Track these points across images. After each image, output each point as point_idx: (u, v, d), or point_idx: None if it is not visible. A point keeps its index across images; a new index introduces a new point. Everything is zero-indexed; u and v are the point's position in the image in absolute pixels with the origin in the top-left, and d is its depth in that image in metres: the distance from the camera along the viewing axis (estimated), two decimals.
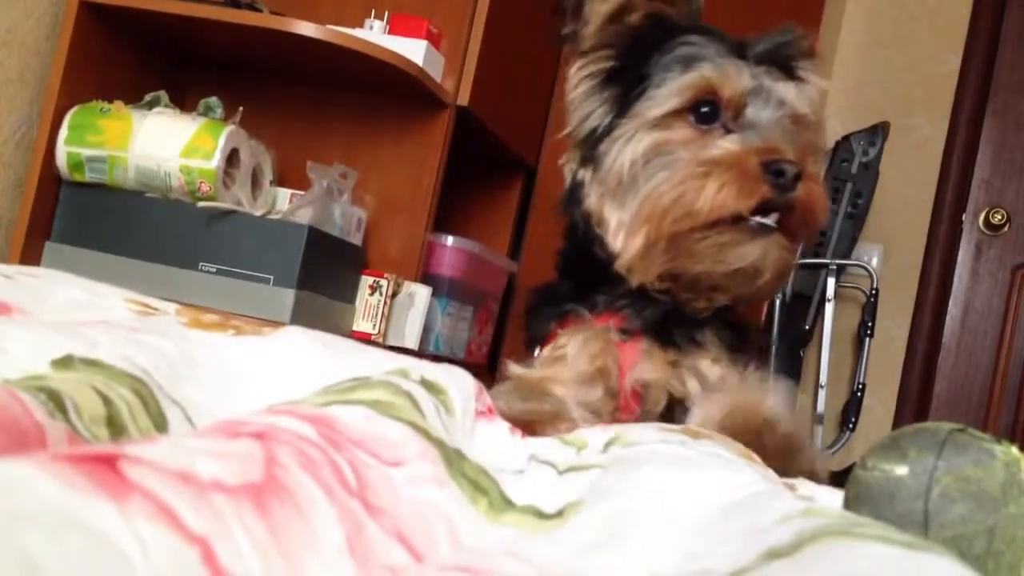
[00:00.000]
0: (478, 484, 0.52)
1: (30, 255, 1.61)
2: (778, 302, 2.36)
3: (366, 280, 1.72)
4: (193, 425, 0.56)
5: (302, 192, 1.69)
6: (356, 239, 1.76)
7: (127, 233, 1.60)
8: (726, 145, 0.89)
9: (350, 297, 1.71)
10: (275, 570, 0.36)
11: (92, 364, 0.54)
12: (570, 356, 0.95)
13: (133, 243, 1.59)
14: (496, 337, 2.20)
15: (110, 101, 1.63)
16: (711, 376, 0.93)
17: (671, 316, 0.96)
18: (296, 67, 1.81)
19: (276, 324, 1.03)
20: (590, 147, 1.00)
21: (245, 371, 0.65)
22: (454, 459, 0.53)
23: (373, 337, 1.71)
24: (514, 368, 0.98)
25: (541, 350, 0.99)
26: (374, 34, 1.72)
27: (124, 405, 0.51)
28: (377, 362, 0.67)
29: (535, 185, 2.25)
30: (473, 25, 1.82)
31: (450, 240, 1.91)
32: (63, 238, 1.64)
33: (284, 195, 1.74)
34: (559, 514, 0.50)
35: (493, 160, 2.18)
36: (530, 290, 1.10)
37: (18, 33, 1.65)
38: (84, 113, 1.62)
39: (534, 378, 0.94)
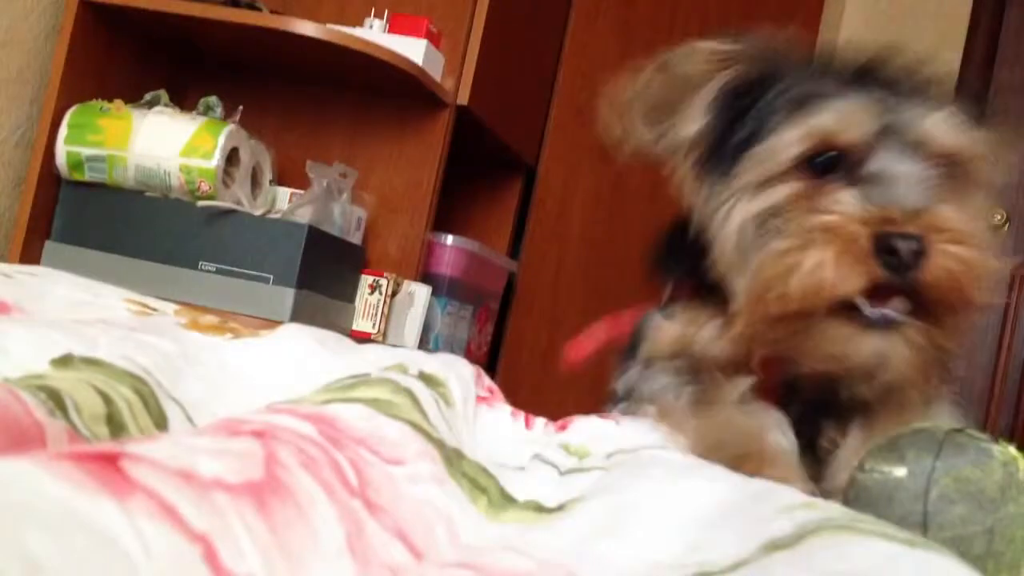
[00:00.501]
0: (477, 482, 0.52)
1: (30, 254, 1.61)
2: None
3: (366, 279, 1.72)
4: (193, 424, 0.56)
5: (302, 191, 1.69)
6: (356, 238, 1.76)
7: (127, 232, 1.60)
8: (835, 208, 0.70)
9: (350, 296, 1.71)
10: (276, 569, 0.36)
11: (92, 363, 0.54)
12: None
13: (133, 242, 1.59)
14: (496, 336, 2.20)
15: (110, 100, 1.63)
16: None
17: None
18: (296, 66, 1.81)
19: (275, 324, 1.03)
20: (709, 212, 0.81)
21: (245, 370, 0.65)
22: (454, 458, 0.53)
23: (373, 336, 1.71)
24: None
25: None
26: (374, 33, 1.72)
27: (124, 404, 0.51)
28: (375, 358, 0.67)
29: (535, 184, 2.25)
30: (473, 24, 1.82)
31: (450, 239, 1.91)
32: (63, 237, 1.64)
33: (284, 194, 1.74)
34: (560, 508, 0.50)
35: (493, 159, 2.18)
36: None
37: (18, 32, 1.65)
38: (84, 112, 1.62)
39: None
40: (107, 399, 0.50)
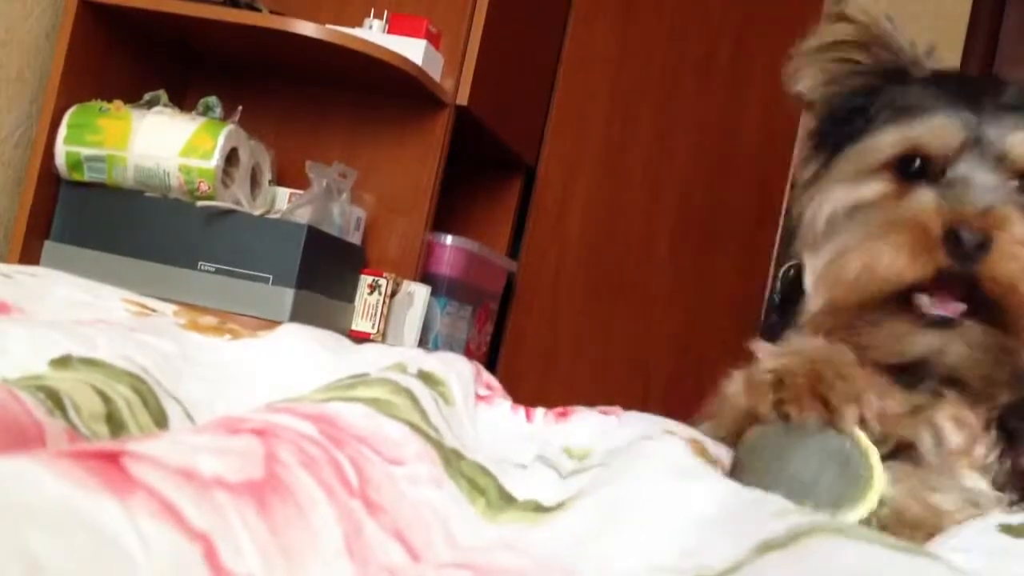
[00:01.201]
0: (476, 483, 0.52)
1: (29, 254, 1.61)
2: None
3: (365, 279, 1.72)
4: (193, 422, 0.56)
5: (301, 191, 1.69)
6: (355, 238, 1.76)
7: (126, 232, 1.60)
8: (913, 204, 0.77)
9: (349, 296, 1.71)
10: (275, 569, 0.36)
11: (91, 363, 0.54)
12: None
13: (132, 242, 1.59)
14: (495, 336, 2.20)
15: (109, 100, 1.63)
16: (950, 441, 0.77)
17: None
18: (295, 66, 1.81)
19: (275, 324, 1.03)
20: (802, 194, 0.88)
21: (244, 370, 0.65)
22: (452, 459, 0.53)
23: (372, 336, 1.71)
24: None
25: None
26: (373, 33, 1.72)
27: (123, 402, 0.51)
28: (375, 358, 0.67)
29: (534, 184, 2.25)
30: (472, 24, 1.82)
31: (449, 239, 1.91)
32: (62, 237, 1.64)
33: (283, 194, 1.74)
34: (559, 506, 0.50)
35: (492, 159, 2.18)
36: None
37: (17, 32, 1.65)
38: (83, 112, 1.62)
39: None
40: (106, 398, 0.50)
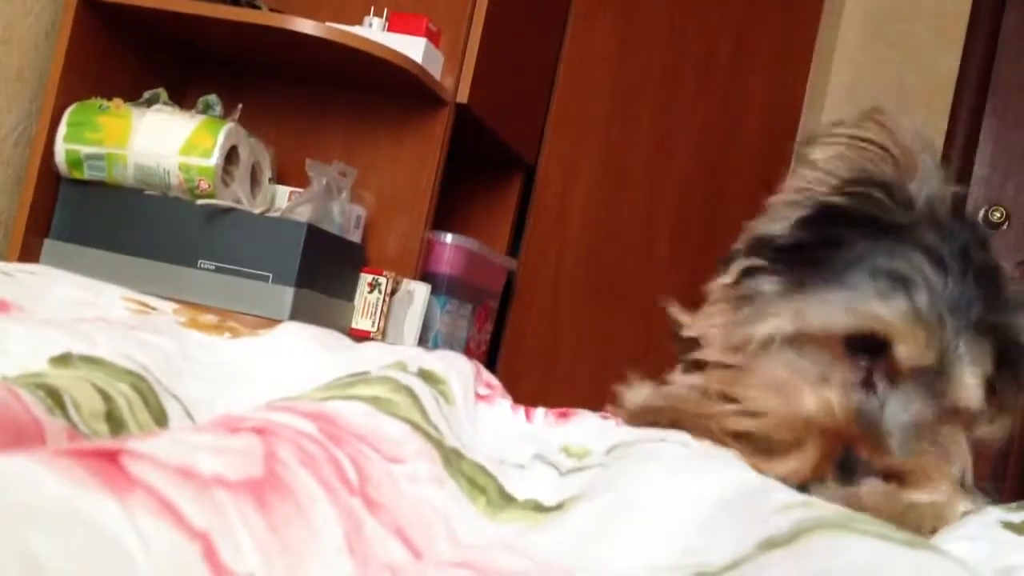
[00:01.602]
0: (476, 482, 0.52)
1: (29, 252, 1.61)
2: None
3: (365, 278, 1.72)
4: (193, 420, 0.56)
5: (301, 190, 1.69)
6: (355, 237, 1.76)
7: (126, 231, 1.60)
8: (834, 400, 0.68)
9: (349, 295, 1.71)
10: (275, 567, 0.36)
11: (91, 361, 0.54)
12: None
13: (132, 241, 1.59)
14: (495, 335, 2.20)
15: (109, 98, 1.63)
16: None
17: None
18: (295, 64, 1.81)
19: (275, 322, 1.03)
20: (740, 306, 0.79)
21: (244, 367, 0.65)
22: (452, 458, 0.53)
23: (372, 335, 1.71)
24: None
25: None
26: (373, 31, 1.72)
27: (123, 400, 0.51)
28: (375, 356, 0.67)
29: (535, 182, 2.25)
30: (472, 22, 1.82)
31: (449, 238, 1.91)
32: (62, 235, 1.64)
33: (283, 193, 1.74)
34: (559, 507, 0.50)
35: (492, 158, 2.19)
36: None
37: (17, 30, 1.65)
38: (83, 111, 1.62)
39: None
40: (106, 396, 0.50)
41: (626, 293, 2.38)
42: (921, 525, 0.66)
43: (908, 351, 0.68)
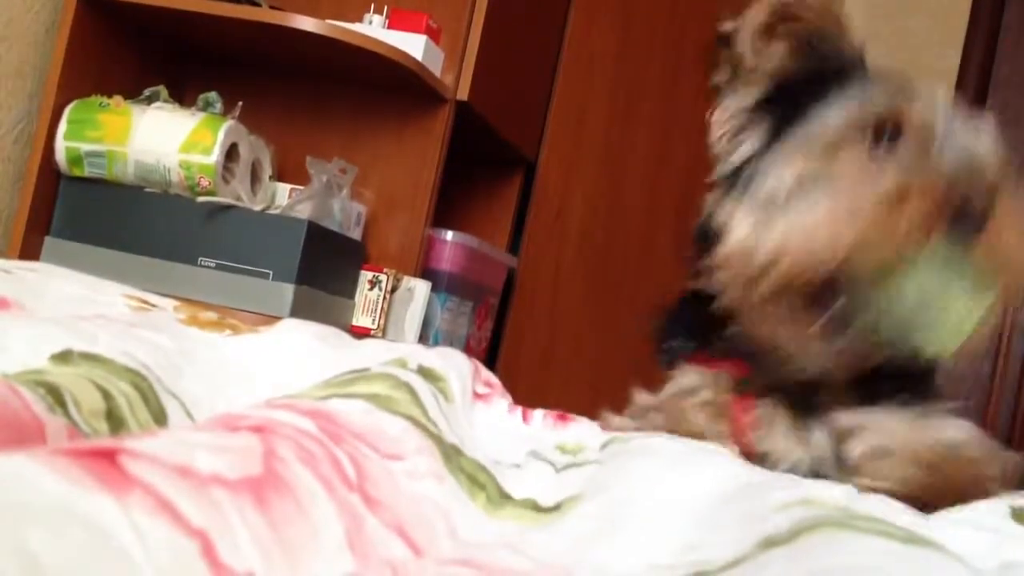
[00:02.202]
0: (476, 479, 0.52)
1: (29, 250, 1.61)
2: None
3: (365, 275, 1.72)
4: (192, 419, 0.56)
5: (301, 187, 1.69)
6: (355, 234, 1.76)
7: (126, 228, 1.60)
8: (897, 178, 0.69)
9: (349, 292, 1.71)
10: (274, 564, 0.36)
11: (91, 358, 0.54)
12: (663, 398, 0.79)
13: (132, 238, 1.59)
14: (496, 332, 2.20)
15: (109, 96, 1.63)
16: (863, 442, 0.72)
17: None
18: (295, 62, 1.81)
19: (275, 319, 1.03)
20: (737, 174, 0.80)
21: (244, 365, 0.65)
22: (452, 454, 0.53)
23: (372, 332, 1.71)
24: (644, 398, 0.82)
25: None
26: (373, 29, 1.72)
27: (123, 399, 0.51)
28: (375, 353, 0.67)
29: (535, 179, 2.25)
30: (473, 19, 1.82)
31: (450, 235, 1.91)
32: (62, 233, 1.64)
33: (283, 190, 1.74)
34: (557, 507, 0.50)
35: (493, 154, 2.18)
36: (657, 312, 0.90)
37: (17, 27, 1.65)
38: (83, 108, 1.61)
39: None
40: (106, 395, 0.50)
41: (627, 291, 2.37)
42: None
43: (924, 109, 0.72)
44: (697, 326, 0.80)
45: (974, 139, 0.73)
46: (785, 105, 0.78)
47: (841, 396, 0.74)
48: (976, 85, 2.65)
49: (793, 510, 0.41)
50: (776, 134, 0.77)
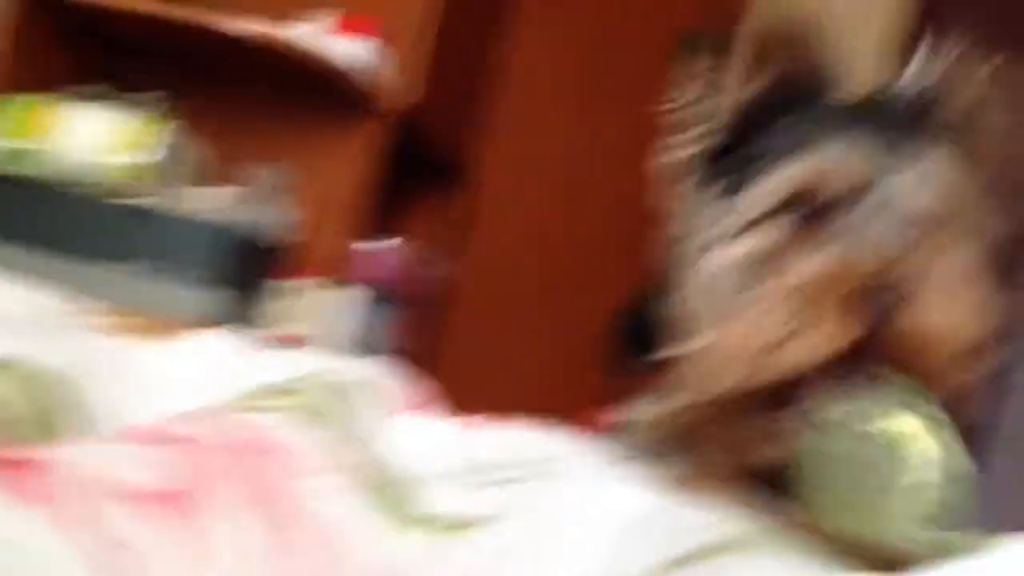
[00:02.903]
0: (388, 497, 0.52)
1: None
2: None
3: (292, 283, 1.71)
4: (111, 429, 0.55)
5: (232, 191, 1.67)
6: (285, 241, 1.74)
7: (45, 229, 1.56)
8: (816, 261, 0.68)
9: (275, 300, 1.69)
10: None
11: (6, 366, 0.52)
12: None
13: (53, 239, 1.55)
14: (431, 343, 2.19)
15: (41, 92, 1.59)
16: None
17: None
18: (228, 64, 1.78)
19: (194, 326, 1.01)
20: (683, 242, 0.80)
21: (162, 372, 0.64)
22: (368, 472, 0.53)
23: (298, 342, 1.69)
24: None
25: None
26: (312, 34, 1.70)
27: (40, 407, 0.50)
28: (298, 364, 0.67)
29: (474, 189, 2.25)
30: (422, 28, 1.82)
31: (384, 243, 1.90)
32: None
33: (212, 194, 1.72)
34: (475, 523, 0.50)
35: (432, 163, 2.18)
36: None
37: None
38: (5, 105, 1.58)
39: None
40: (26, 401, 0.49)
41: (568, 300, 2.38)
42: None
43: (843, 177, 0.70)
44: None
45: (905, 199, 0.71)
46: (732, 160, 0.77)
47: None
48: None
49: (706, 531, 0.42)
50: (717, 202, 0.76)
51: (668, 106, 0.81)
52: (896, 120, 0.75)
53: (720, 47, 0.79)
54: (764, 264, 0.70)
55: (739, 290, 0.70)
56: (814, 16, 0.78)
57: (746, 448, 0.66)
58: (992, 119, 0.77)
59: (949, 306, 0.67)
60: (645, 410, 0.77)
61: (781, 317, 0.66)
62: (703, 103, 0.79)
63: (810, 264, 0.68)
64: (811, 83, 0.77)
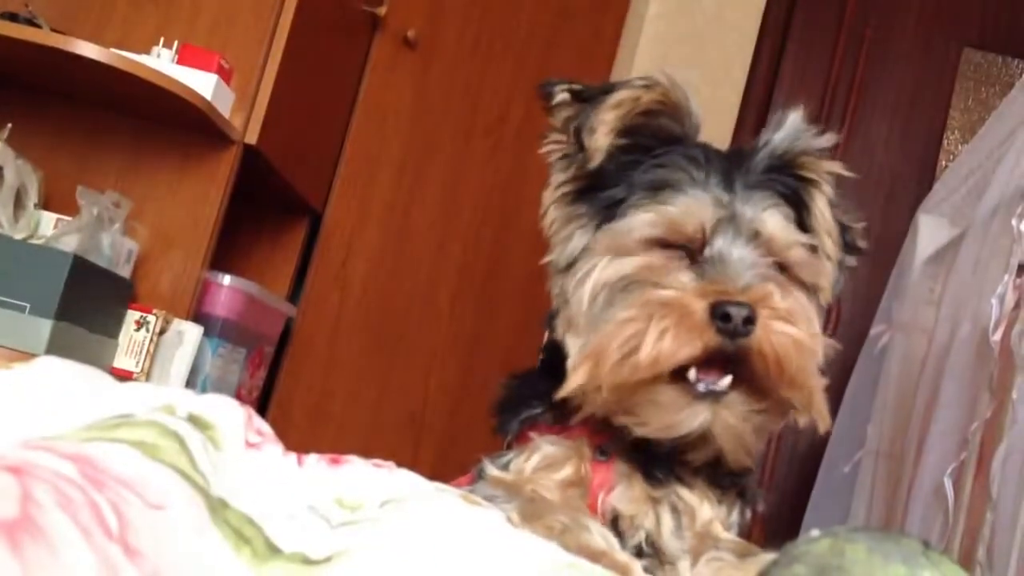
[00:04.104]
0: (242, 532, 0.51)
1: None
2: None
3: (132, 315, 1.65)
4: None
5: (70, 218, 1.60)
6: (125, 271, 1.68)
7: None
8: (674, 284, 0.80)
9: (113, 332, 1.63)
10: None
11: None
12: (528, 470, 0.85)
13: None
14: (268, 381, 2.15)
15: None
16: (699, 519, 0.84)
17: (652, 441, 0.83)
18: (76, 88, 1.72)
19: (30, 356, 0.96)
20: (563, 274, 0.88)
21: None
22: (218, 507, 0.52)
23: (135, 375, 1.63)
24: (493, 470, 0.86)
25: (510, 449, 0.89)
26: (161, 62, 1.66)
27: None
28: (142, 397, 0.65)
29: (320, 229, 2.23)
30: (267, 64, 1.80)
31: (227, 279, 1.86)
32: None
33: (49, 219, 1.64)
34: (327, 560, 0.50)
35: (279, 201, 2.15)
36: (508, 376, 0.96)
37: None
38: None
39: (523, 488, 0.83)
40: None
41: (405, 346, 2.38)
42: None
43: (700, 215, 0.82)
44: (551, 394, 0.85)
45: (739, 242, 0.82)
46: (601, 200, 0.86)
47: (681, 464, 0.85)
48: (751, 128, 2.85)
49: (562, 571, 0.43)
50: (592, 234, 0.86)
51: (541, 148, 0.89)
52: (750, 170, 0.85)
53: (585, 96, 0.86)
54: (632, 285, 0.81)
55: (610, 306, 0.81)
56: (671, 77, 0.86)
57: (643, 421, 0.79)
58: (828, 181, 0.88)
59: (786, 328, 0.78)
60: (494, 465, 0.84)
61: (643, 325, 0.77)
62: (569, 147, 0.87)
63: (673, 283, 0.79)
64: (670, 134, 0.86)
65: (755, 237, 0.83)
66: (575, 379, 0.81)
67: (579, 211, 0.88)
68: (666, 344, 0.76)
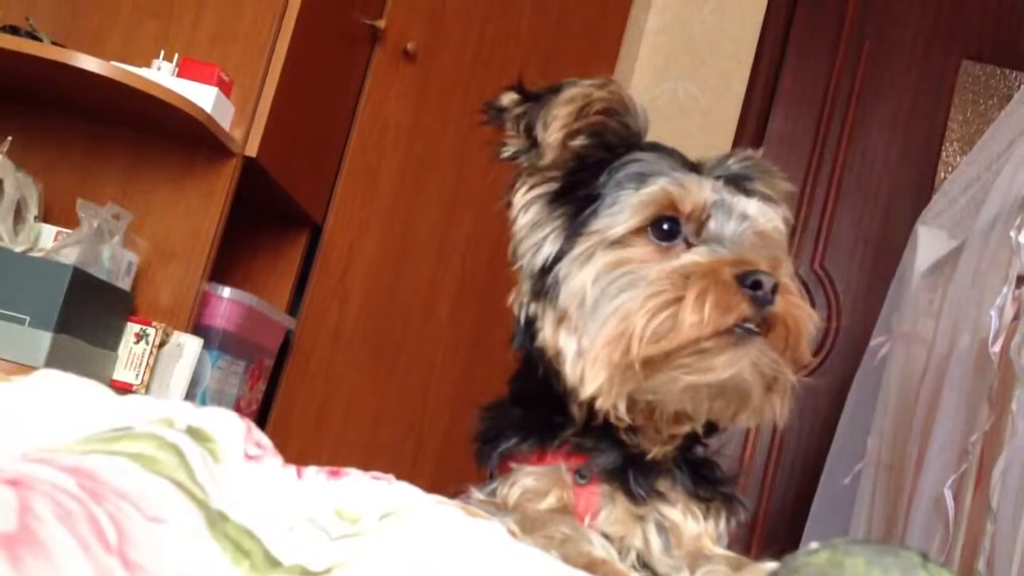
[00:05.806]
0: (241, 546, 0.51)
1: None
2: None
3: (132, 327, 1.65)
4: None
5: (70, 230, 1.60)
6: (125, 284, 1.68)
7: None
8: (694, 258, 0.80)
9: (113, 344, 1.63)
10: None
11: None
12: (512, 500, 0.85)
13: None
14: (268, 394, 2.15)
15: None
16: (685, 534, 0.84)
17: (632, 460, 0.85)
18: (76, 101, 1.73)
19: (29, 369, 0.97)
20: (542, 277, 0.88)
21: None
22: (217, 520, 0.52)
23: (135, 388, 1.63)
24: (480, 497, 0.86)
25: (492, 479, 0.89)
26: (162, 75, 1.67)
27: None
28: (142, 409, 0.65)
29: (320, 241, 2.23)
30: (267, 76, 1.80)
31: (227, 291, 1.86)
32: None
33: (49, 232, 1.65)
34: (327, 572, 0.50)
35: (279, 213, 2.16)
36: (483, 408, 0.96)
37: None
38: None
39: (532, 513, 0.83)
40: None
41: (404, 357, 2.38)
42: None
43: (699, 193, 0.83)
44: (526, 423, 0.87)
45: (742, 221, 0.84)
46: (576, 200, 0.87)
47: (663, 479, 0.86)
48: (752, 138, 2.86)
49: None
50: (572, 231, 0.86)
51: (501, 156, 0.90)
52: (727, 169, 0.88)
53: (533, 95, 0.88)
54: (631, 271, 0.81)
55: (613, 292, 0.81)
56: (621, 86, 0.89)
57: (685, 374, 0.79)
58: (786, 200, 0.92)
59: (799, 301, 0.81)
60: (481, 493, 0.85)
61: (672, 295, 0.78)
62: (521, 144, 0.89)
63: (693, 262, 0.80)
64: (630, 133, 0.88)
65: (744, 219, 0.85)
66: (593, 374, 0.80)
67: (555, 212, 0.88)
68: (705, 313, 0.77)
